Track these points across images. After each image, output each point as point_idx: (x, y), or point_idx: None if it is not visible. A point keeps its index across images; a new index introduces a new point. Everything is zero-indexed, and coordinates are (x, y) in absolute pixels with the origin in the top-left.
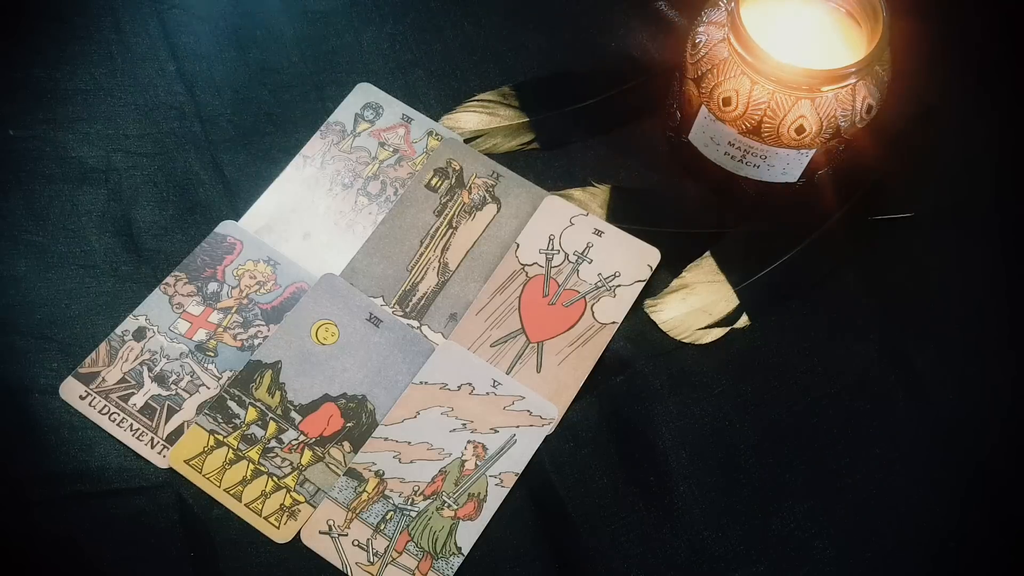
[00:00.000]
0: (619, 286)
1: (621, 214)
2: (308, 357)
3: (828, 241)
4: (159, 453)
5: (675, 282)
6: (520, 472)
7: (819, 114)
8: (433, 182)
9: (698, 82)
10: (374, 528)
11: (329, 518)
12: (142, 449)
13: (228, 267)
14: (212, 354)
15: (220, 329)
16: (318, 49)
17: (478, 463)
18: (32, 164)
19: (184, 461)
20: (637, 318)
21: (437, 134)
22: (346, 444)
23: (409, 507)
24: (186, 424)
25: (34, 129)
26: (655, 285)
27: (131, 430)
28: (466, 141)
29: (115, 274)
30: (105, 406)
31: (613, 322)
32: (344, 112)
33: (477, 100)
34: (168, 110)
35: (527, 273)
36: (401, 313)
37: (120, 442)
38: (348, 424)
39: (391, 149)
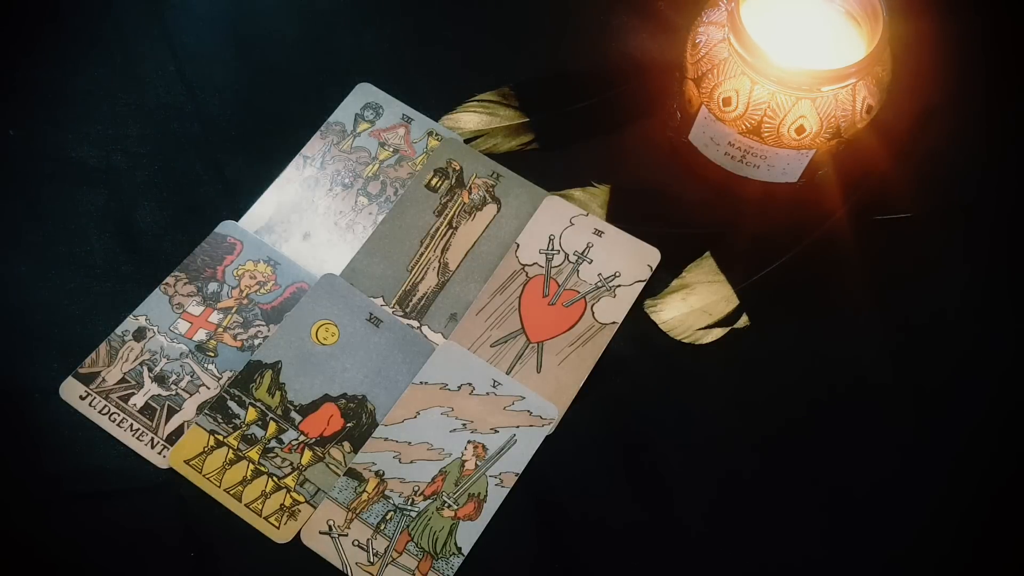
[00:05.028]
0: (619, 286)
1: (621, 214)
2: (308, 357)
3: (828, 241)
4: (159, 453)
5: (675, 282)
6: (520, 472)
7: (819, 114)
8: (433, 182)
9: (698, 82)
10: (374, 528)
11: (329, 518)
12: (142, 449)
13: (228, 267)
14: (212, 354)
15: (220, 329)
16: (318, 49)
17: (478, 463)
18: (32, 164)
19: (184, 461)
20: (637, 318)
21: (437, 134)
22: (346, 444)
23: (409, 507)
24: (186, 424)
25: (34, 129)
26: (655, 285)
27: (131, 430)
28: (466, 141)
29: (115, 274)
30: (105, 406)
31: (613, 322)
32: (344, 112)
33: (477, 100)
34: (168, 110)
35: (527, 273)
36: (401, 313)
37: (120, 442)
38: (348, 424)
39: (391, 149)
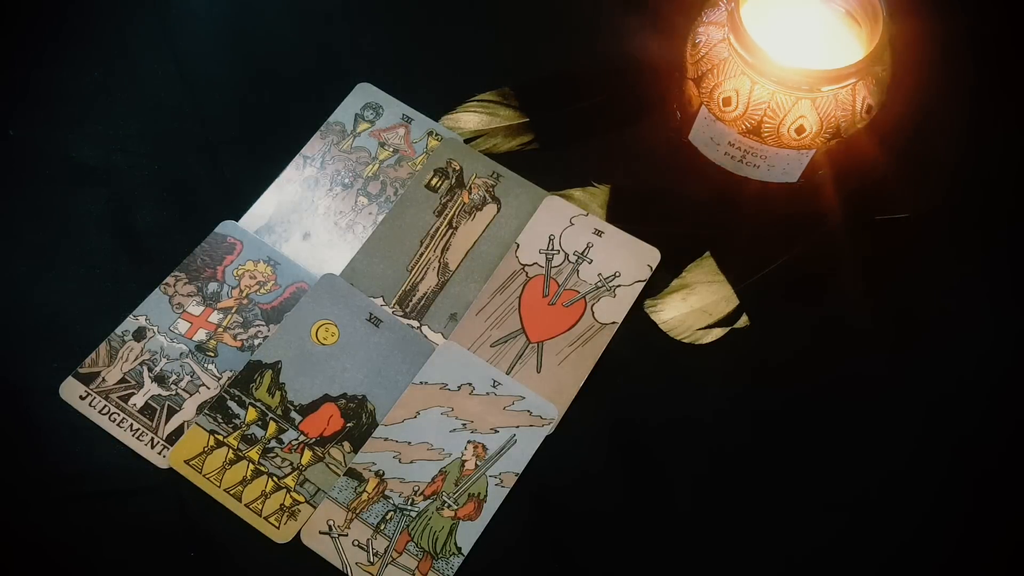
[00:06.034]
0: (619, 286)
1: (621, 214)
2: (308, 357)
3: (828, 241)
4: (159, 453)
5: (675, 282)
6: (520, 472)
7: (819, 114)
8: (433, 182)
9: (698, 82)
10: (374, 528)
11: (329, 518)
12: (142, 449)
13: (228, 267)
14: (212, 354)
15: (220, 329)
16: (318, 49)
17: (478, 463)
18: (32, 164)
19: (184, 461)
20: (637, 318)
21: (437, 134)
22: (346, 444)
23: (409, 507)
24: (186, 424)
25: (34, 129)
26: (655, 285)
27: (131, 430)
28: (466, 141)
29: (115, 274)
30: (105, 406)
31: (613, 322)
32: (344, 112)
33: (477, 100)
34: (168, 110)
35: (527, 273)
36: (401, 313)
37: (120, 442)
38: (348, 424)
39: (391, 149)
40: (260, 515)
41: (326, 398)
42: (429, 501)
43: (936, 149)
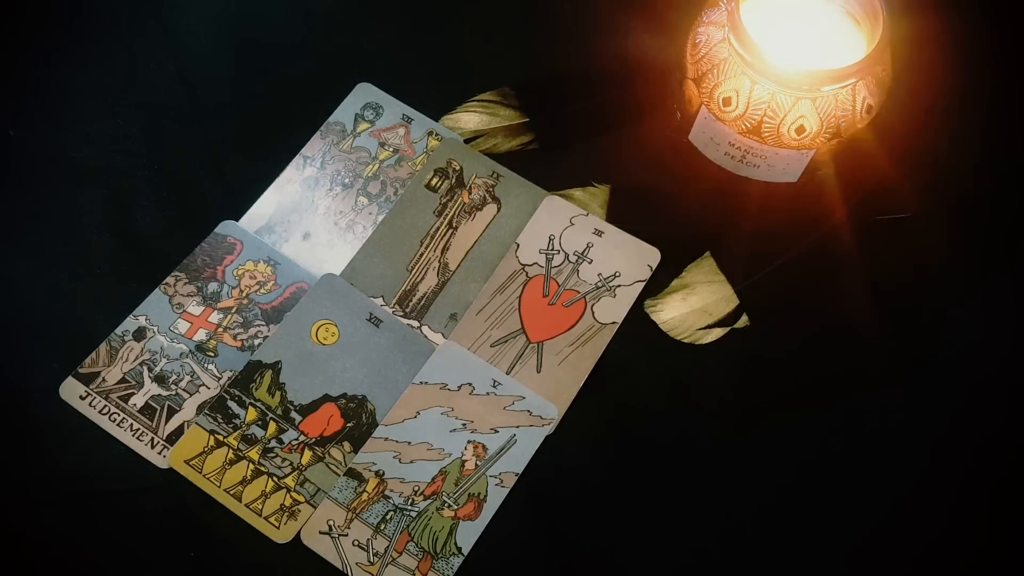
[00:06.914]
0: (619, 286)
1: (621, 214)
2: (308, 357)
3: (828, 241)
4: (159, 453)
5: (675, 282)
6: (520, 472)
7: (819, 114)
8: (433, 182)
9: (698, 82)
10: (374, 528)
11: (329, 518)
12: (142, 449)
13: (228, 267)
14: (212, 354)
15: (220, 329)
16: (318, 49)
17: (478, 463)
18: (32, 164)
19: (184, 461)
20: (637, 318)
21: (437, 134)
22: (346, 444)
23: (409, 507)
24: (186, 424)
25: (34, 129)
26: (655, 285)
27: (131, 430)
28: (466, 141)
29: (115, 274)
30: (105, 406)
31: (613, 322)
32: (344, 112)
33: (477, 100)
34: (168, 110)
35: (527, 273)
36: (401, 313)
37: (120, 442)
38: (348, 424)
39: (391, 149)
40: (260, 515)
41: (326, 398)
42: (429, 501)
43: (936, 149)
